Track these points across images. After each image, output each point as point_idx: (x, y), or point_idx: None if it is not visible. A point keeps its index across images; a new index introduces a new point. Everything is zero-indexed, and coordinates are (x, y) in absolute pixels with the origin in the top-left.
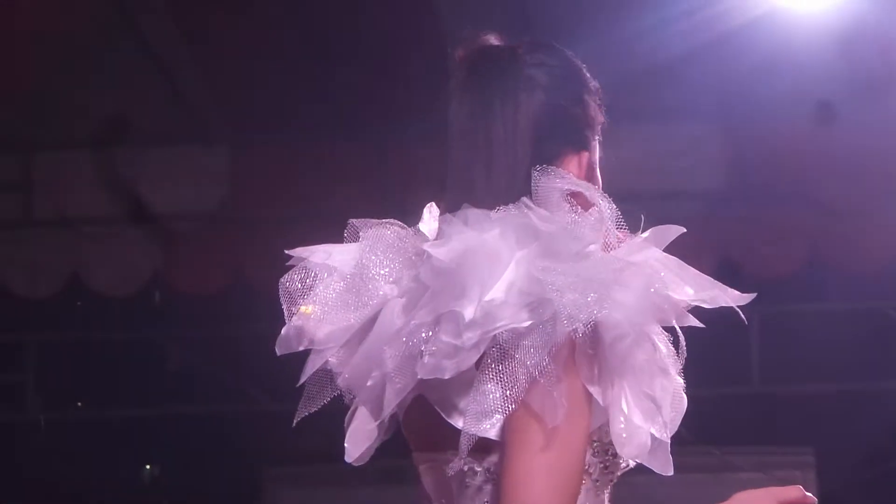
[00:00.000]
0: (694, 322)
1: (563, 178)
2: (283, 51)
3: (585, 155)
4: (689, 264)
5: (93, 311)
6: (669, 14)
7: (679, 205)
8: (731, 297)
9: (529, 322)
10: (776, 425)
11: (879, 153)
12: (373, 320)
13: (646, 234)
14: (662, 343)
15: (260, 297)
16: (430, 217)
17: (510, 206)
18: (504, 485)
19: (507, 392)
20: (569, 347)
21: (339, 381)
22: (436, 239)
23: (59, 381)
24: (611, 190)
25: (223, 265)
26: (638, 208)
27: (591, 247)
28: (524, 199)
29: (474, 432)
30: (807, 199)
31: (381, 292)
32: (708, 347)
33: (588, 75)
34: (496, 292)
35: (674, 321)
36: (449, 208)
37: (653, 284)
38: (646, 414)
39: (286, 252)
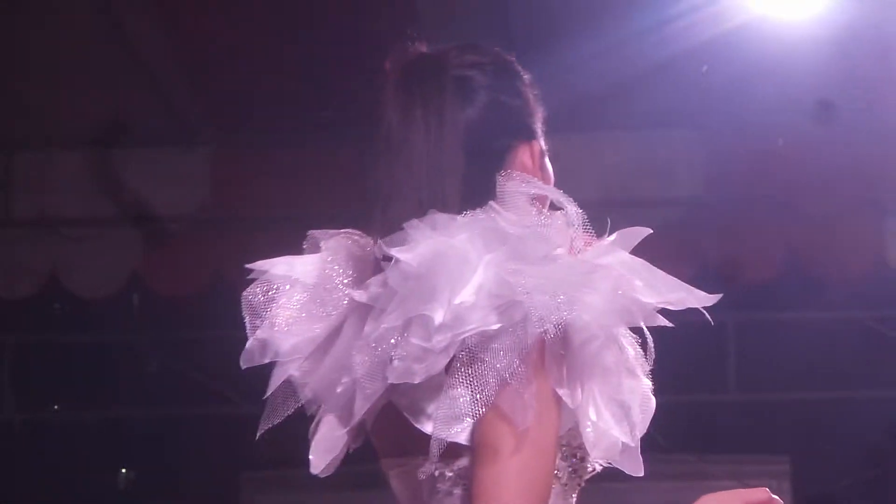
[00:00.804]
0: (663, 322)
1: (527, 183)
2: (267, 54)
3: (536, 144)
4: (668, 270)
5: (70, 313)
6: (650, 22)
7: (658, 211)
8: (697, 299)
9: (499, 325)
10: (752, 433)
11: (859, 162)
12: (338, 330)
13: (612, 237)
14: (630, 345)
15: (239, 300)
16: None
17: (478, 210)
18: (475, 488)
19: (477, 396)
20: (538, 350)
21: (306, 392)
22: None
23: (35, 382)
24: (590, 196)
25: (202, 267)
26: (617, 214)
27: (559, 250)
28: (491, 202)
29: (444, 437)
30: (786, 206)
31: (344, 302)
32: (685, 354)
33: (519, 67)
34: (465, 295)
35: (642, 322)
36: (373, 220)
37: (621, 286)
38: (615, 415)
39: (246, 266)
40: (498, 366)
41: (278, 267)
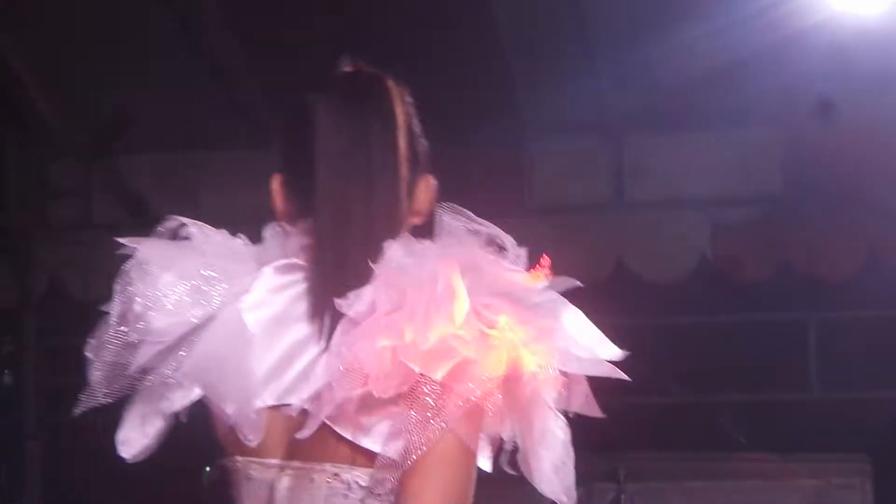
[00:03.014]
0: (618, 374)
1: (468, 217)
2: (340, 58)
3: (431, 178)
4: (750, 269)
5: None
6: (727, 20)
7: (737, 210)
8: (610, 352)
9: (473, 355)
10: (834, 432)
11: None
12: (212, 319)
13: (545, 284)
14: (559, 390)
15: None
16: (271, 238)
17: (449, 238)
18: (415, 501)
19: (433, 419)
20: (498, 386)
21: (179, 375)
22: (383, 262)
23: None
24: (669, 194)
25: None
26: (699, 213)
27: (517, 284)
28: (453, 232)
29: (383, 451)
30: (865, 203)
31: (222, 294)
32: (767, 354)
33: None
34: (450, 323)
35: (588, 369)
36: (323, 230)
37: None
38: (545, 447)
39: (117, 240)
40: (462, 393)
41: (150, 247)
